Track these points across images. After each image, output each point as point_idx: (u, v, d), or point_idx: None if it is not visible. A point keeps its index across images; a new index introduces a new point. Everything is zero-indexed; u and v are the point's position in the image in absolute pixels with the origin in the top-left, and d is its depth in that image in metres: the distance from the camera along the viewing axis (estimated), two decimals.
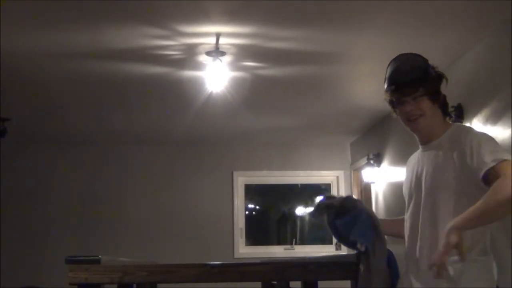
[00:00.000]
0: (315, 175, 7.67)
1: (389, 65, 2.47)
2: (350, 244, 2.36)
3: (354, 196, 2.72)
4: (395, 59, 2.48)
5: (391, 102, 2.45)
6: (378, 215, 6.36)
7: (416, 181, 2.42)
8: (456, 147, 2.28)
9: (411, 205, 2.43)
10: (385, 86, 2.44)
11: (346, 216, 2.41)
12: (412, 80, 2.36)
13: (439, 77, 2.41)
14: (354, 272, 2.42)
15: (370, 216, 2.41)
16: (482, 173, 2.17)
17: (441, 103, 2.41)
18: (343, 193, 7.53)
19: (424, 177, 2.37)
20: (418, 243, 2.35)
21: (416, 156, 2.52)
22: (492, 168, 2.15)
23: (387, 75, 2.44)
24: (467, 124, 4.13)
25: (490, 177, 2.14)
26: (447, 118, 2.47)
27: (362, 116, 6.29)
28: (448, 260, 2.08)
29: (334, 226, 2.48)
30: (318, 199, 2.59)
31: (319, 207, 2.50)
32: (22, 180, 7.15)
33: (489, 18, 3.77)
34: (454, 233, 2.07)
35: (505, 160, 2.14)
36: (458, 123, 2.58)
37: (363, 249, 2.32)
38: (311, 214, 2.62)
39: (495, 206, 2.09)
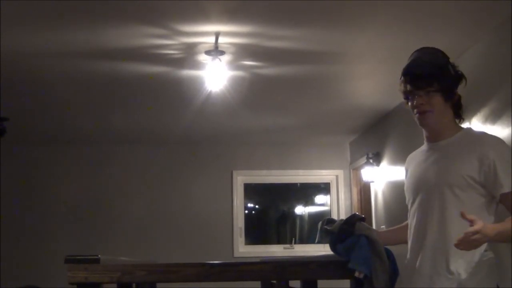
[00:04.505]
0: (314, 174, 7.68)
1: (410, 56, 2.47)
2: (351, 270, 2.40)
3: (357, 212, 2.75)
4: (417, 51, 2.46)
5: (404, 93, 2.43)
6: (377, 214, 6.40)
7: (422, 178, 2.40)
8: (474, 150, 2.26)
9: (417, 202, 2.40)
10: (401, 76, 2.43)
11: (346, 241, 2.45)
12: (428, 74, 2.35)
13: (458, 77, 2.40)
14: (352, 271, 2.43)
15: (369, 240, 2.43)
16: (506, 190, 2.20)
17: (454, 103, 2.39)
18: (342, 193, 7.54)
19: (433, 174, 2.34)
20: (426, 238, 2.34)
21: (420, 153, 2.49)
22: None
23: (405, 65, 2.43)
24: (466, 124, 4.13)
25: (506, 199, 2.19)
26: (459, 121, 2.44)
27: (361, 115, 6.29)
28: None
29: (337, 251, 2.52)
30: (320, 223, 2.64)
31: (321, 234, 2.58)
32: (22, 180, 7.15)
33: (488, 17, 3.77)
34: (480, 238, 2.09)
35: None
36: (470, 127, 2.56)
37: (361, 276, 2.35)
38: (316, 240, 2.72)
39: None
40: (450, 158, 2.32)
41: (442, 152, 2.37)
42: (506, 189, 2.20)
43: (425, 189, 2.37)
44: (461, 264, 2.21)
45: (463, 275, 2.20)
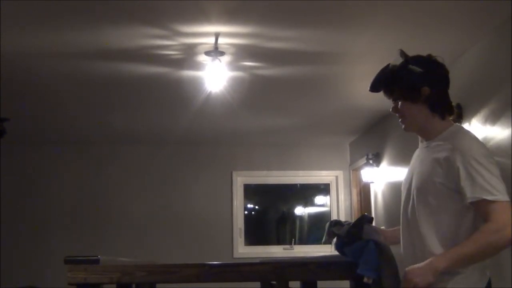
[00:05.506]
0: (314, 175, 7.67)
1: None
2: (359, 275, 2.39)
3: (366, 213, 2.74)
4: None
5: None
6: (377, 215, 6.40)
7: (406, 181, 2.40)
8: (446, 153, 2.21)
9: (402, 203, 2.40)
10: None
11: (353, 245, 2.45)
12: (382, 85, 2.39)
13: (426, 72, 2.31)
14: (353, 272, 2.43)
15: (377, 244, 2.43)
16: (469, 200, 2.14)
17: (428, 100, 2.31)
18: (342, 193, 7.54)
19: (414, 178, 2.33)
20: (403, 243, 2.37)
21: (416, 152, 2.47)
22: (483, 200, 2.12)
23: None
24: (466, 124, 4.13)
25: (478, 205, 2.13)
26: (444, 116, 2.34)
27: (361, 116, 6.29)
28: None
29: (343, 253, 2.52)
30: (327, 224, 2.63)
31: (329, 236, 2.58)
32: (22, 180, 7.15)
33: (488, 17, 3.77)
34: (432, 274, 2.11)
35: (496, 199, 2.10)
36: (458, 125, 2.43)
37: (370, 281, 2.35)
38: (323, 241, 2.71)
39: (486, 252, 2.12)
40: (426, 162, 2.29)
41: (425, 155, 2.33)
42: (469, 199, 2.13)
43: (406, 193, 2.37)
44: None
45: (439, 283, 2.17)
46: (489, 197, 2.10)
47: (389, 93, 2.38)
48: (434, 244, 2.20)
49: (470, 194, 2.13)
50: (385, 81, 2.38)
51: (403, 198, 2.40)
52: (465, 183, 2.14)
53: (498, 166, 2.20)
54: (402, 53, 2.37)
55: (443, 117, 2.34)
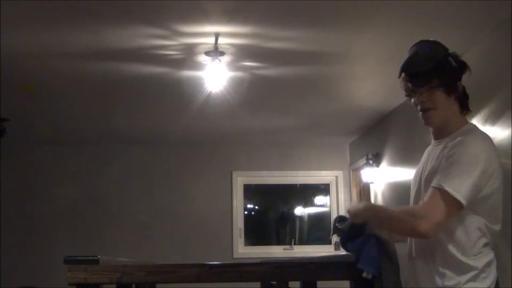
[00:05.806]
0: (314, 175, 7.68)
1: (409, 51, 2.39)
2: (359, 270, 2.39)
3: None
4: (415, 45, 2.39)
5: (405, 90, 2.33)
6: None
7: (419, 175, 2.36)
8: (449, 146, 2.19)
9: (413, 198, 2.38)
10: (400, 73, 2.33)
11: (355, 240, 2.45)
12: (426, 71, 2.26)
13: (459, 68, 2.31)
14: (353, 272, 2.43)
15: (379, 240, 2.43)
16: (433, 185, 2.13)
17: (459, 95, 2.30)
18: (342, 194, 7.54)
19: (423, 174, 2.30)
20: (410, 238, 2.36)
21: (427, 150, 2.43)
22: (434, 188, 2.10)
23: (403, 62, 2.33)
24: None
25: (435, 192, 2.11)
26: (466, 112, 2.34)
27: (361, 116, 6.29)
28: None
29: (347, 248, 2.52)
30: (333, 220, 2.65)
31: (334, 232, 2.60)
32: (22, 180, 7.15)
33: (488, 17, 3.77)
34: (362, 219, 2.33)
35: (446, 192, 2.07)
36: (473, 124, 2.39)
37: (369, 277, 2.35)
38: (330, 237, 2.78)
39: (396, 227, 2.24)
40: (436, 158, 2.25)
41: (436, 152, 2.29)
42: (433, 184, 2.12)
43: (416, 188, 2.34)
44: (442, 266, 2.17)
45: (447, 278, 2.16)
46: (448, 189, 2.06)
47: (426, 81, 2.25)
48: (439, 236, 2.16)
49: (437, 181, 2.11)
50: (427, 67, 2.27)
51: (413, 193, 2.37)
52: (442, 171, 2.12)
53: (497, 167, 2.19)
54: (438, 44, 2.37)
55: (465, 114, 2.35)
